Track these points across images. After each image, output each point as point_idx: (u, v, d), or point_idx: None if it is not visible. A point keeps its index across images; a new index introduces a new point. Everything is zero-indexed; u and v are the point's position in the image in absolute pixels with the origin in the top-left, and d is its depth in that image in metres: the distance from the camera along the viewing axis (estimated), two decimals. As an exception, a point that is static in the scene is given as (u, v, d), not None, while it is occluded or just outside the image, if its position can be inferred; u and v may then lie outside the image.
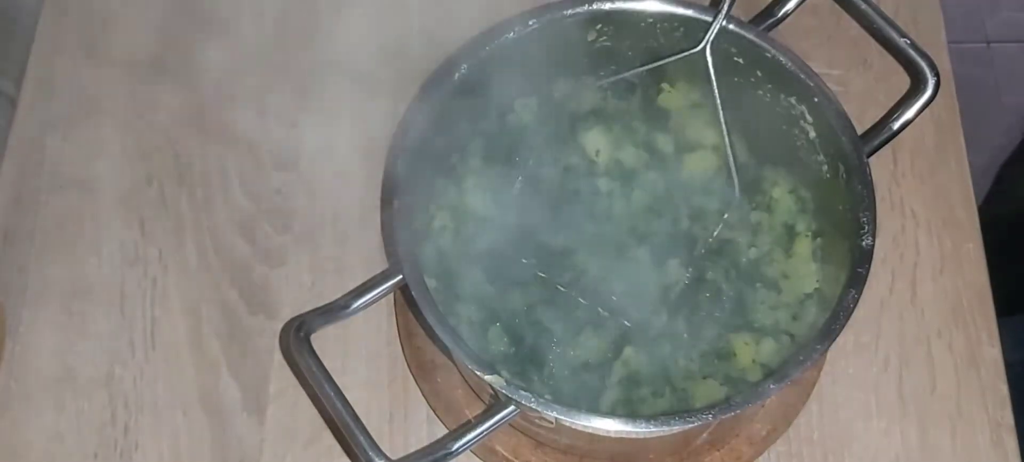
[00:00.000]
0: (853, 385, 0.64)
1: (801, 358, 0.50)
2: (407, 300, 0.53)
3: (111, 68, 0.73)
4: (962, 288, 0.66)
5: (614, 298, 0.59)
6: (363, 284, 0.54)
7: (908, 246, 0.68)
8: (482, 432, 0.50)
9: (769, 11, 0.63)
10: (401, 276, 0.53)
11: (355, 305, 0.53)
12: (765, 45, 0.58)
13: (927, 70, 0.59)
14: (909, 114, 0.58)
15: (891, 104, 0.60)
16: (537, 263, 0.59)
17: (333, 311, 0.53)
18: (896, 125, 0.58)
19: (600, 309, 0.58)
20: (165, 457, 0.61)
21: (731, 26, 0.58)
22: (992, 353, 0.64)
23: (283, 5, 0.75)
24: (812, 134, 0.58)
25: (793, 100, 0.59)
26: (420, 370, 0.62)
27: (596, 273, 0.59)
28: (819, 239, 0.60)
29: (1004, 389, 0.63)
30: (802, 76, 0.58)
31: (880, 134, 0.58)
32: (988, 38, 1.56)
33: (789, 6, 0.63)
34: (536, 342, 0.57)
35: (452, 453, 0.50)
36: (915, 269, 0.67)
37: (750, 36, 0.58)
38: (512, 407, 0.50)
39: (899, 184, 0.70)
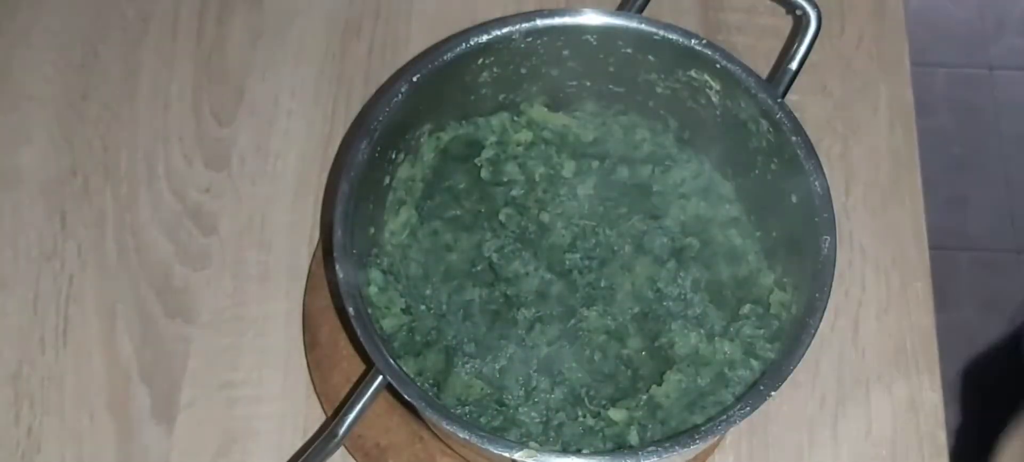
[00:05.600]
0: (786, 424, 0.61)
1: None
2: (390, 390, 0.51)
3: (42, 54, 0.71)
4: (907, 330, 0.64)
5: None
6: (345, 400, 0.52)
7: (854, 282, 0.65)
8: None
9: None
10: (382, 378, 0.50)
11: (343, 430, 0.50)
12: (651, 28, 0.57)
13: (805, 5, 0.59)
14: (803, 49, 0.58)
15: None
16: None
17: (327, 444, 0.50)
18: (794, 65, 0.58)
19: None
20: (67, 462, 0.59)
21: (615, 20, 0.57)
22: (932, 398, 0.62)
23: (225, 2, 0.73)
24: (718, 99, 0.58)
25: (693, 72, 0.57)
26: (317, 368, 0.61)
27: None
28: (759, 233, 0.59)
29: (942, 437, 0.61)
30: (694, 45, 0.56)
31: (783, 79, 0.58)
32: (990, 64, 1.54)
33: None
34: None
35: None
36: (859, 307, 0.65)
37: (633, 24, 0.57)
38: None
39: (849, 217, 0.67)
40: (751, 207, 0.60)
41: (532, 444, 0.49)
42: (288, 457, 0.59)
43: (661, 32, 0.57)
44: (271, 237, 0.65)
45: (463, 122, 0.61)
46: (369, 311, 0.51)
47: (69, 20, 0.72)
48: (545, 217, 0.60)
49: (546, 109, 0.63)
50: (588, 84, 0.61)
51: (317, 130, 0.69)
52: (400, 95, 0.55)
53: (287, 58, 0.71)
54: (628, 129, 0.63)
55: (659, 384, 0.54)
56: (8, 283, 0.64)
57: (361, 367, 0.60)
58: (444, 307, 0.57)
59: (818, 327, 0.50)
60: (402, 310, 0.56)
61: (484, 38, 0.57)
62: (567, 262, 0.59)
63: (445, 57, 0.56)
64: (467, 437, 0.47)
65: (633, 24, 0.57)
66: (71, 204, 0.66)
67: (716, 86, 0.57)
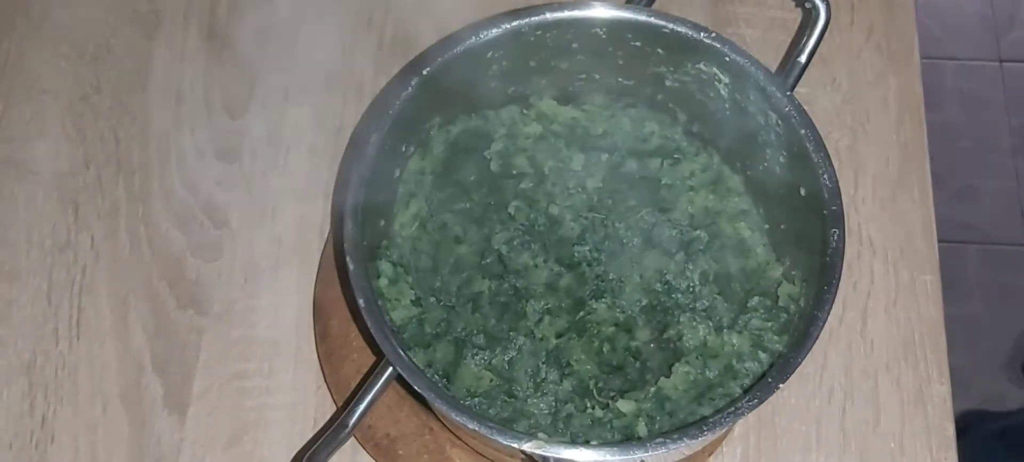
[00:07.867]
0: (794, 416, 0.62)
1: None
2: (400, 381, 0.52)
3: (55, 48, 0.71)
4: (915, 322, 0.64)
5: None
6: (355, 392, 0.52)
7: (862, 275, 0.66)
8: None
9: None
10: (392, 370, 0.50)
11: (353, 421, 0.50)
12: (660, 21, 0.57)
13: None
14: (812, 42, 0.58)
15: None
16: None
17: (337, 435, 0.50)
18: (803, 58, 0.58)
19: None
20: (81, 451, 0.60)
21: (624, 13, 0.57)
22: (941, 391, 0.62)
23: (236, -5, 0.74)
24: (727, 92, 0.58)
25: (702, 65, 0.57)
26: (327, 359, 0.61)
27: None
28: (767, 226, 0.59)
29: (950, 429, 0.61)
30: (704, 38, 0.56)
31: (792, 72, 0.58)
32: (1000, 57, 1.54)
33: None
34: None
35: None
36: (868, 299, 0.65)
37: (643, 17, 0.57)
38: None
39: (858, 209, 0.67)
40: (760, 200, 0.60)
41: (541, 435, 0.49)
42: (298, 447, 0.60)
43: (670, 25, 0.57)
44: (282, 229, 0.66)
45: (473, 115, 0.62)
46: (379, 303, 0.52)
47: (81, 14, 0.73)
48: (554, 210, 0.60)
49: (555, 102, 0.63)
50: (597, 77, 0.62)
51: (328, 123, 0.69)
52: (410, 88, 0.56)
53: (298, 51, 0.71)
54: (637, 122, 0.63)
55: (667, 376, 0.55)
56: (22, 274, 0.64)
57: (371, 358, 0.60)
58: (454, 299, 0.58)
59: (826, 320, 0.50)
60: (412, 302, 0.57)
61: (494, 31, 0.57)
62: (576, 255, 0.59)
63: (455, 50, 0.56)
64: (476, 428, 0.47)
65: (642, 17, 0.57)
66: (84, 196, 0.67)
67: (725, 79, 0.57)
